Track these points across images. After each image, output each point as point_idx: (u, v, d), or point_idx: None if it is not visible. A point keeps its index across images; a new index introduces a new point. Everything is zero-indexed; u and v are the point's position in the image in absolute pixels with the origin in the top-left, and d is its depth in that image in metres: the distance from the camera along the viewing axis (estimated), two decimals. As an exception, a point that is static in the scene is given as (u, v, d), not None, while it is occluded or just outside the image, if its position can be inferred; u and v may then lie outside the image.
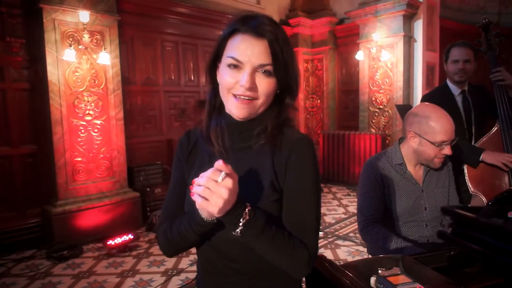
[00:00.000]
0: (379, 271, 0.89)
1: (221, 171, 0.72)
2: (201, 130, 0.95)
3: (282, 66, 0.84)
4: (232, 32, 0.85)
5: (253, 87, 0.83)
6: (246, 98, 0.83)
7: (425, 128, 1.55)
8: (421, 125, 1.56)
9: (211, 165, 0.75)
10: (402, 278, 0.86)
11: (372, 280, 0.89)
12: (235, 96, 0.84)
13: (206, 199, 0.72)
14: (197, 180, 0.73)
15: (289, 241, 0.83)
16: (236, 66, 0.83)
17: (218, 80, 0.91)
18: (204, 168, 0.78)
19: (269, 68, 0.83)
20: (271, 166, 0.87)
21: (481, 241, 0.88)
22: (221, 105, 0.93)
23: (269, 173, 0.87)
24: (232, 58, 0.83)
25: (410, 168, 1.69)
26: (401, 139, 1.74)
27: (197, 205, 0.75)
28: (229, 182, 0.72)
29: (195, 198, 0.73)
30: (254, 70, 0.83)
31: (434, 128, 1.53)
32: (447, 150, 1.55)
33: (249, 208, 0.77)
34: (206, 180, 0.72)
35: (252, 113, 0.86)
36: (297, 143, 0.87)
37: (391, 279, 0.86)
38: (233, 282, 0.90)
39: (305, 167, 0.87)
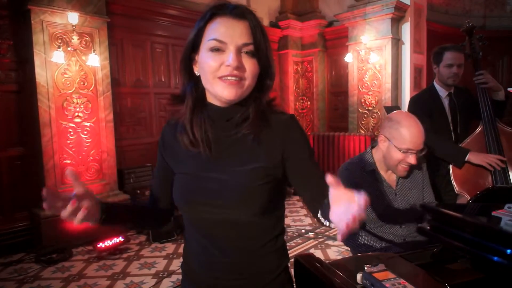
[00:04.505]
0: (365, 268, 0.91)
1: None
2: (181, 123, 0.94)
3: (263, 47, 0.86)
4: (209, 18, 0.85)
5: (240, 67, 0.83)
6: (234, 78, 0.83)
7: (394, 133, 1.57)
8: (392, 130, 1.58)
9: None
10: (387, 274, 0.89)
11: (358, 276, 0.91)
12: (221, 78, 0.83)
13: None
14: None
15: None
16: (218, 49, 0.83)
17: (197, 71, 0.91)
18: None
19: (251, 48, 0.84)
20: (261, 149, 0.89)
21: (461, 237, 0.92)
22: (203, 97, 0.93)
23: (258, 157, 0.89)
24: (215, 40, 0.83)
25: (382, 172, 1.70)
26: (374, 144, 1.75)
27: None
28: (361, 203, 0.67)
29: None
30: (239, 50, 0.83)
31: (402, 135, 1.54)
32: (411, 159, 1.55)
33: None
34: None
35: (240, 95, 0.86)
36: (287, 122, 0.92)
37: (376, 275, 0.89)
38: (222, 264, 0.92)
39: (302, 138, 0.93)
